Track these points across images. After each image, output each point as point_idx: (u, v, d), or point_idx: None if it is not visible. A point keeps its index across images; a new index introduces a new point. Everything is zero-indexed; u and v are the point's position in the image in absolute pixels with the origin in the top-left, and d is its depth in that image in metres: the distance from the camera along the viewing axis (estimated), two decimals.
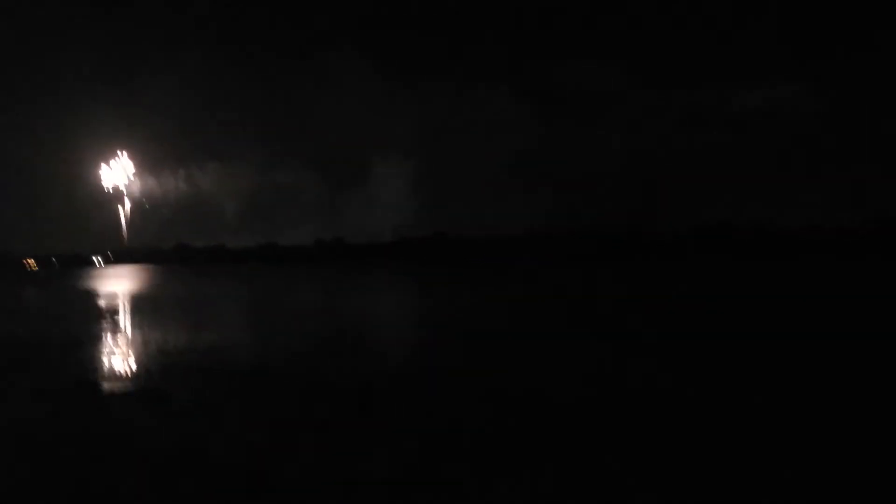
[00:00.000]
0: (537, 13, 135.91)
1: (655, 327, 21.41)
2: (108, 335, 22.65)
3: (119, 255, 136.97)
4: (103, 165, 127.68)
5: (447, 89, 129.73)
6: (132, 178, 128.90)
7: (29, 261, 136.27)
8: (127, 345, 20.14)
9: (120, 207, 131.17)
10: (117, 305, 36.71)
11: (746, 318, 23.19)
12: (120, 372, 15.36)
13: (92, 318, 28.87)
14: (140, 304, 37.93)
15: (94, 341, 20.94)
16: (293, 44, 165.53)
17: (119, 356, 17.68)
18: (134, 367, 15.95)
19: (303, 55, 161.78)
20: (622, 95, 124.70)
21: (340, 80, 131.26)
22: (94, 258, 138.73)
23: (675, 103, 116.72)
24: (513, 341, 19.03)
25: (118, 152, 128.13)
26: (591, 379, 13.59)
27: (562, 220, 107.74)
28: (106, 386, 13.74)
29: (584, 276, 54.40)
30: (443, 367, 15.12)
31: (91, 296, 45.27)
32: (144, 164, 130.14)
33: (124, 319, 28.99)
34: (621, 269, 59.66)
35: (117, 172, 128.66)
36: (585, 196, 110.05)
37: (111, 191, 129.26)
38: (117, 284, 62.24)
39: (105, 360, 17.17)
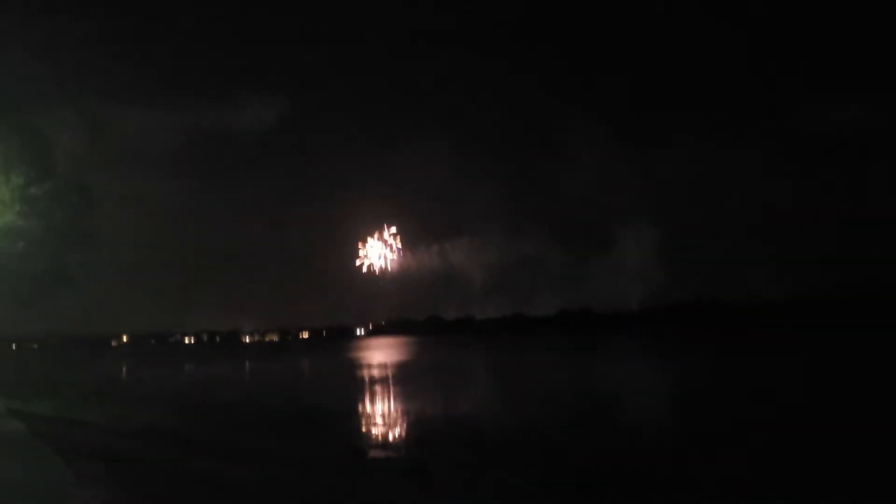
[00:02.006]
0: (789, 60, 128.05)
1: None
2: (374, 404, 24.13)
3: (378, 327, 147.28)
4: (367, 241, 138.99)
5: (692, 150, 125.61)
6: (394, 253, 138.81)
7: (303, 334, 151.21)
8: (390, 414, 21.23)
9: (380, 281, 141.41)
10: (380, 375, 39.13)
11: None
12: (385, 442, 16.14)
13: (359, 388, 31.00)
14: (400, 374, 40.06)
15: (362, 410, 22.40)
16: (534, 118, 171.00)
17: (384, 426, 18.65)
18: (397, 437, 16.72)
19: (544, 129, 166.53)
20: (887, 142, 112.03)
21: (581, 150, 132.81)
22: (357, 329, 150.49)
23: None
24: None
25: (382, 229, 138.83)
26: None
27: (827, 281, 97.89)
28: (373, 455, 14.40)
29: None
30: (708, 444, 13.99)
31: (358, 366, 48.82)
32: (403, 239, 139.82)
33: (387, 389, 30.75)
34: None
35: (379, 248, 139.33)
36: (852, 254, 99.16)
37: (373, 265, 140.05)
38: (378, 355, 66.51)
39: (371, 429, 18.18)
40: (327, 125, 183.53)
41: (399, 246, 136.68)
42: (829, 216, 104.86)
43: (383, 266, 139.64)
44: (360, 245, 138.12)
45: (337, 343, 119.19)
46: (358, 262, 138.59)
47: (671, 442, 14.91)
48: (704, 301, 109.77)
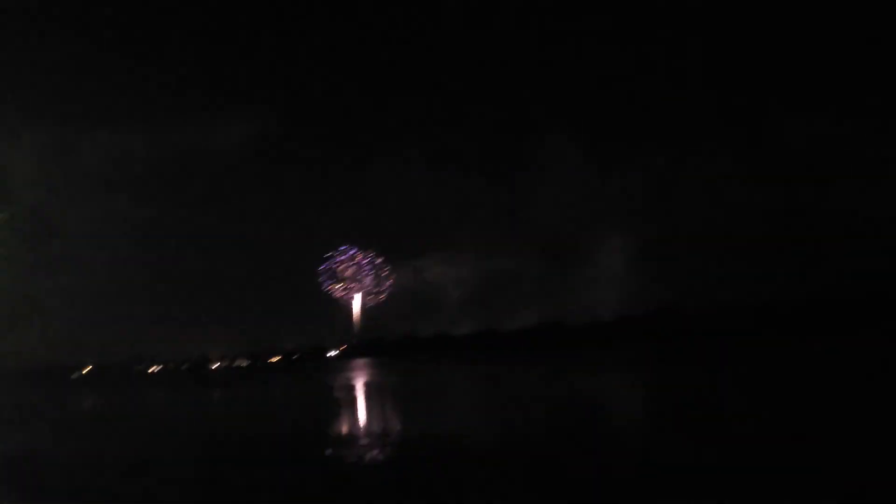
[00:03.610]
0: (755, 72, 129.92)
1: None
2: (351, 426, 22.72)
3: (351, 347, 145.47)
4: (336, 260, 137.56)
5: (659, 160, 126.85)
6: (364, 272, 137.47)
7: (274, 358, 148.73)
8: (370, 435, 19.81)
9: (352, 301, 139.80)
10: (356, 396, 37.69)
11: None
12: (368, 461, 14.79)
13: (334, 411, 29.60)
14: (377, 394, 38.76)
15: (339, 433, 21.09)
16: (507, 131, 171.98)
17: (364, 447, 17.25)
18: (376, 460, 15.36)
19: (517, 140, 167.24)
20: (858, 152, 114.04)
21: (554, 161, 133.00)
22: (329, 351, 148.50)
23: None
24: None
25: (355, 248, 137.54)
26: None
27: (797, 288, 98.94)
28: (354, 477, 13.34)
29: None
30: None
31: (331, 388, 47.28)
32: (377, 257, 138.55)
33: (364, 409, 29.33)
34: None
35: (350, 267, 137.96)
36: (821, 261, 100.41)
37: (344, 285, 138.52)
38: (352, 375, 64.93)
39: (352, 451, 16.76)
40: (297, 144, 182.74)
41: (373, 264, 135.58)
42: (795, 226, 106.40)
43: (356, 285, 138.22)
44: (332, 264, 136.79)
45: (309, 365, 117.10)
46: (330, 282, 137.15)
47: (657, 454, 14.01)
48: (676, 310, 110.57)
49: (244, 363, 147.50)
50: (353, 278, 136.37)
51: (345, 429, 22.43)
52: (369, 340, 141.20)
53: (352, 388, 44.44)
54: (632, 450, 14.78)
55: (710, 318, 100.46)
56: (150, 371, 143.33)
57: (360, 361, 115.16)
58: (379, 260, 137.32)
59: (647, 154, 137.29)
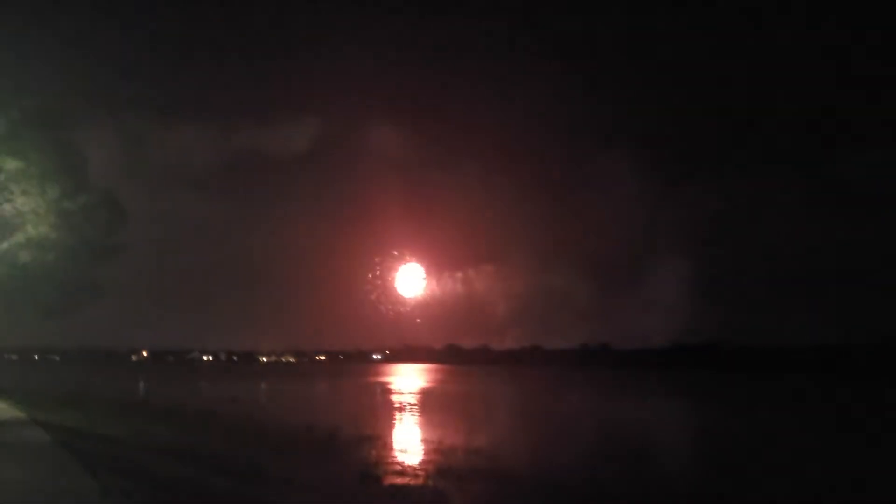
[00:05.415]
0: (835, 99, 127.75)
1: None
2: (392, 430, 24.09)
3: (396, 353, 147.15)
4: (391, 266, 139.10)
5: (722, 186, 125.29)
6: (415, 279, 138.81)
7: (320, 356, 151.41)
8: (409, 441, 21.11)
9: (401, 307, 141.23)
10: (398, 401, 39.01)
11: None
12: (402, 468, 16.07)
13: (376, 413, 30.93)
14: (419, 401, 39.88)
15: (380, 436, 22.07)
16: (566, 151, 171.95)
17: (402, 452, 18.49)
18: (415, 464, 16.59)
19: (575, 161, 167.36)
20: None
21: (613, 183, 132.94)
22: (374, 355, 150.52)
23: None
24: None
25: (406, 255, 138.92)
26: None
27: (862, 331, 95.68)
28: (388, 481, 14.15)
29: None
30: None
31: (375, 391, 48.75)
32: (427, 266, 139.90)
33: (405, 415, 30.65)
34: None
35: (401, 274, 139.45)
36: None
37: (394, 291, 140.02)
38: (396, 380, 66.30)
39: (388, 455, 17.98)
40: (357, 150, 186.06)
41: (418, 272, 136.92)
42: (857, 264, 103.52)
43: (406, 292, 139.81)
44: (383, 270, 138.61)
45: (354, 367, 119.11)
46: (380, 288, 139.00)
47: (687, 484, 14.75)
48: (728, 344, 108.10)
49: (291, 359, 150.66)
50: (405, 284, 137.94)
51: (375, 432, 23.71)
52: (413, 347, 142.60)
53: (388, 393, 45.78)
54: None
55: (765, 357, 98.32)
56: (203, 359, 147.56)
57: (403, 367, 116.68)
58: (431, 268, 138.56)
59: (709, 182, 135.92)
